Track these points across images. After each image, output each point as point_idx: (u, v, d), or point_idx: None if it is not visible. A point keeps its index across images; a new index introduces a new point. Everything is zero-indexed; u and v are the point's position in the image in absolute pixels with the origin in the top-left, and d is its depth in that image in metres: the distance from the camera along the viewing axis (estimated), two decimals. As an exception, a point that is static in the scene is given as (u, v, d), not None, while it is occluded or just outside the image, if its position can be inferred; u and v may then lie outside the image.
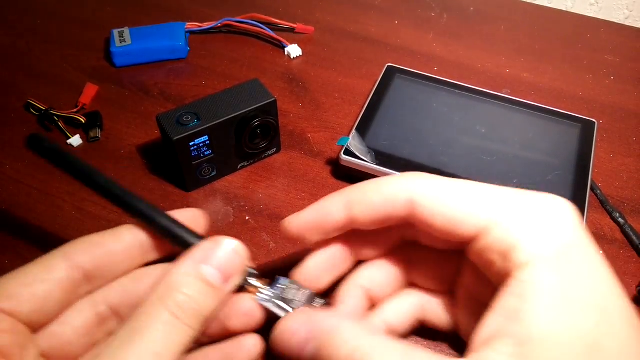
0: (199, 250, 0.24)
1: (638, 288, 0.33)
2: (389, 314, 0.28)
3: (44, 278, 0.23)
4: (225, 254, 0.24)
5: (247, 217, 0.37)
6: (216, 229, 0.36)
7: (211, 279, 0.23)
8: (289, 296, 0.26)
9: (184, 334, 0.22)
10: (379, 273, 0.28)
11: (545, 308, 0.21)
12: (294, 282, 0.27)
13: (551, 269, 0.21)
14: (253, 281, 0.26)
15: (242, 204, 0.38)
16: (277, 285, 0.26)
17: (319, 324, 0.23)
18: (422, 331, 0.30)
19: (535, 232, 0.22)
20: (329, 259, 0.28)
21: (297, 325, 0.23)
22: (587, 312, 0.21)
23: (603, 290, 0.22)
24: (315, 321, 0.23)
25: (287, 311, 0.25)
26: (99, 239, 0.25)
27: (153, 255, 0.26)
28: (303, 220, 0.26)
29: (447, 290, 0.28)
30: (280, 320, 0.24)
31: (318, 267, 0.27)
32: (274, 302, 0.26)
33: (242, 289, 0.25)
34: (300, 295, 0.26)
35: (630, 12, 0.68)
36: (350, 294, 0.28)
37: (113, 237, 0.25)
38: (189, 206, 0.37)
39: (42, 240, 0.35)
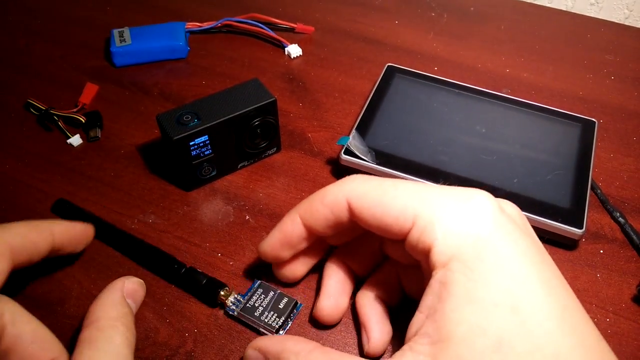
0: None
1: (638, 288, 0.33)
2: (375, 286, 0.30)
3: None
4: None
5: (247, 217, 0.37)
6: (216, 229, 0.36)
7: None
8: (256, 303, 0.31)
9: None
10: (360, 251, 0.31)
11: (454, 309, 0.22)
12: (263, 285, 0.32)
13: (463, 270, 0.22)
14: (224, 294, 0.31)
15: (242, 203, 0.38)
16: (249, 293, 0.31)
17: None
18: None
19: (450, 231, 0.23)
20: (340, 285, 0.31)
21: None
22: (494, 312, 0.21)
23: (514, 288, 0.22)
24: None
25: (253, 320, 0.31)
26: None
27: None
28: (272, 243, 0.30)
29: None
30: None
31: (335, 296, 0.31)
32: (239, 314, 0.31)
33: (218, 301, 0.31)
34: (268, 300, 0.31)
35: (630, 11, 0.68)
36: (333, 273, 0.31)
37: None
38: (188, 206, 0.37)
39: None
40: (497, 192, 0.36)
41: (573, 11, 0.58)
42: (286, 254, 0.30)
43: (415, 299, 0.28)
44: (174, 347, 0.30)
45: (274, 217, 0.37)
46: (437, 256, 0.23)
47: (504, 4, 0.58)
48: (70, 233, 0.31)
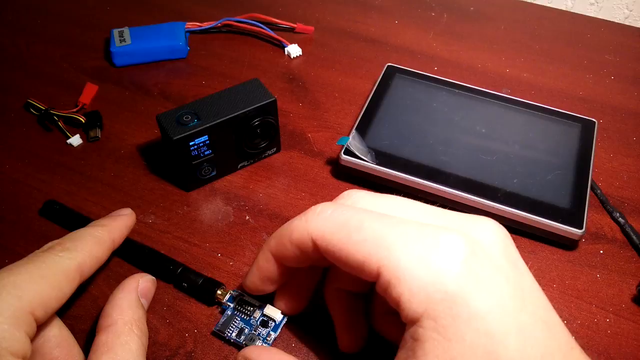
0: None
1: (638, 288, 0.33)
2: (379, 303, 0.29)
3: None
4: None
5: (247, 217, 0.37)
6: (216, 229, 0.36)
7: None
8: (244, 307, 0.31)
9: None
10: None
11: None
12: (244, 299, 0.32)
13: (435, 328, 0.21)
14: (220, 293, 0.32)
15: (242, 203, 0.38)
16: (237, 298, 0.31)
17: None
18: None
19: (417, 286, 0.21)
20: (349, 312, 0.29)
21: None
22: None
23: (490, 347, 0.20)
24: None
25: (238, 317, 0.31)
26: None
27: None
28: (253, 280, 0.29)
29: None
30: None
31: (351, 325, 0.29)
32: (231, 312, 0.31)
33: (216, 300, 0.32)
34: (253, 308, 0.31)
35: (630, 11, 0.68)
36: (337, 301, 0.29)
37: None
38: (188, 206, 0.38)
39: (42, 240, 0.35)
40: (497, 192, 0.36)
41: (573, 11, 0.58)
42: (270, 288, 0.29)
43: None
44: (174, 348, 0.30)
45: (274, 218, 0.37)
46: (406, 312, 0.22)
47: (504, 3, 0.58)
48: (124, 233, 0.31)
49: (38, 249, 0.35)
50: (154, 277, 0.31)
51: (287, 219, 0.36)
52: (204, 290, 0.32)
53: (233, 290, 0.32)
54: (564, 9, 0.63)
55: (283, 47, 0.51)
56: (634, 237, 0.36)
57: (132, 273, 0.31)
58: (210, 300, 0.32)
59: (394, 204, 0.26)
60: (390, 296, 0.22)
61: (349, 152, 0.38)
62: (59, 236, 0.35)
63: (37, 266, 0.25)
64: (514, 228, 0.35)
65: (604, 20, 0.56)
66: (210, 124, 0.35)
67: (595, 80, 0.49)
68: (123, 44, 0.48)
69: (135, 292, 0.28)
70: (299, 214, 0.37)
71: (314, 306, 0.31)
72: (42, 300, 0.24)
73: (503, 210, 0.35)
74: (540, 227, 0.35)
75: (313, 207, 0.26)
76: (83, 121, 0.42)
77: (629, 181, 0.40)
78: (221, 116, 0.36)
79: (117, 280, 0.33)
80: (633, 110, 0.46)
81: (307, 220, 0.25)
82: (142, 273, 0.30)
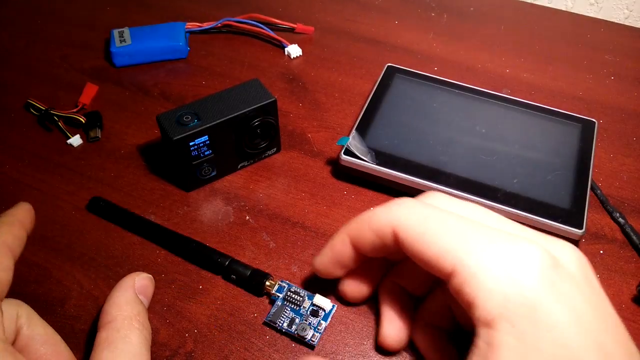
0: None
1: (638, 288, 0.33)
2: (429, 313, 0.29)
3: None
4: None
5: (247, 217, 0.37)
6: (216, 229, 0.36)
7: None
8: (293, 297, 0.31)
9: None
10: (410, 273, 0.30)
11: None
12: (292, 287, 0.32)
13: (512, 332, 0.20)
14: (269, 284, 0.32)
15: (242, 203, 0.38)
16: (286, 289, 0.32)
17: None
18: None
19: (494, 287, 0.21)
20: (399, 308, 0.29)
21: None
22: None
23: (567, 356, 0.20)
24: None
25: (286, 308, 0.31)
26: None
27: None
28: (324, 261, 0.29)
29: None
30: None
31: (397, 321, 0.29)
32: (282, 303, 0.31)
33: (264, 291, 0.32)
34: (301, 297, 0.32)
35: (630, 11, 0.68)
36: (389, 295, 0.30)
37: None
38: (188, 207, 0.38)
39: (42, 241, 0.35)
40: (497, 192, 0.36)
41: (573, 11, 0.58)
42: (339, 272, 0.30)
43: (466, 330, 0.27)
44: (174, 348, 0.30)
45: (274, 218, 0.37)
46: (480, 312, 0.21)
47: (504, 4, 0.58)
48: (29, 217, 0.31)
49: (38, 248, 0.35)
50: (151, 275, 0.31)
51: (287, 219, 0.37)
52: (252, 281, 0.32)
53: (281, 281, 0.32)
54: (563, 9, 0.63)
55: (283, 47, 0.51)
56: (634, 237, 0.36)
57: (150, 271, 0.31)
58: (259, 291, 0.32)
59: (476, 212, 0.26)
60: (464, 295, 0.22)
61: (349, 152, 0.38)
62: (60, 239, 0.36)
63: None
64: (514, 228, 0.35)
65: (604, 20, 0.56)
66: (211, 124, 0.35)
67: (595, 80, 0.49)
68: (123, 44, 0.48)
69: (132, 289, 0.29)
70: (299, 214, 0.37)
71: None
72: None
73: (503, 211, 0.35)
74: (540, 227, 0.35)
75: (396, 199, 0.27)
76: (83, 121, 0.42)
77: (629, 181, 0.40)
78: (221, 116, 0.36)
79: (117, 280, 0.33)
80: (633, 110, 0.46)
81: (389, 209, 0.26)
82: (139, 272, 0.30)
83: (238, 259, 0.34)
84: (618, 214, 0.37)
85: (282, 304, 0.31)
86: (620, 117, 0.45)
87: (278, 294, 0.32)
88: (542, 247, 0.22)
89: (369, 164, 0.37)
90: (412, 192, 0.37)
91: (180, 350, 0.30)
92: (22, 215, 0.31)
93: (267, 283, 0.32)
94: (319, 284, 0.33)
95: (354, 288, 0.31)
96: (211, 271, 0.34)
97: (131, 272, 0.32)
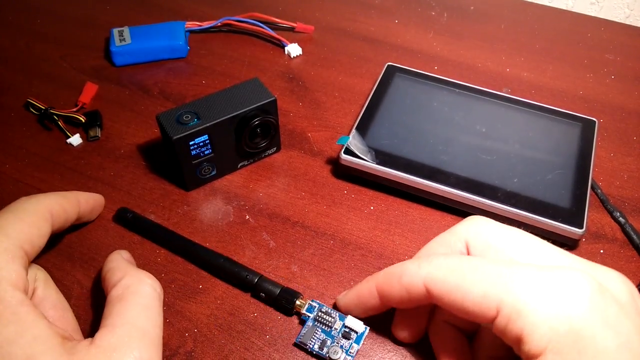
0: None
1: (638, 288, 0.33)
2: (484, 347, 0.28)
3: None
4: None
5: (247, 216, 0.37)
6: (216, 228, 0.36)
7: None
8: (324, 317, 0.31)
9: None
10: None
11: None
12: (325, 308, 0.31)
13: None
14: (299, 304, 0.31)
15: (242, 203, 0.38)
16: (317, 309, 0.31)
17: None
18: None
19: (540, 319, 0.21)
20: (457, 351, 0.28)
21: None
22: None
23: None
24: None
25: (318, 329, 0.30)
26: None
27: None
28: (348, 303, 0.30)
29: None
30: None
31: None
32: (312, 324, 0.31)
33: (294, 310, 0.31)
34: (332, 318, 0.31)
35: (631, 11, 0.68)
36: (442, 338, 0.29)
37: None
38: (188, 206, 0.37)
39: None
40: (497, 191, 0.36)
41: (573, 10, 0.58)
42: (363, 315, 0.30)
43: None
44: (174, 347, 0.30)
45: (274, 217, 0.37)
46: (528, 346, 0.21)
47: (504, 3, 0.58)
48: (90, 203, 0.34)
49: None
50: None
51: (287, 219, 0.37)
52: (282, 300, 0.31)
53: (312, 300, 0.31)
54: (564, 8, 0.63)
55: (283, 46, 0.51)
56: (635, 236, 0.36)
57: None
58: (289, 310, 0.31)
59: (518, 238, 0.26)
60: (511, 332, 0.22)
61: (349, 151, 0.38)
62: (59, 239, 0.36)
63: (12, 211, 0.28)
64: (514, 227, 0.35)
65: (604, 19, 0.56)
66: (210, 124, 0.35)
67: (596, 79, 0.49)
68: (123, 43, 0.48)
69: (120, 256, 0.31)
70: (299, 213, 0.37)
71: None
72: (26, 237, 0.27)
73: (503, 210, 0.35)
74: (540, 226, 0.35)
75: (424, 248, 0.28)
76: (83, 121, 0.42)
77: (629, 180, 0.40)
78: (221, 116, 0.36)
79: (117, 279, 0.33)
80: (633, 109, 0.46)
81: (419, 266, 0.26)
82: (118, 250, 0.32)
83: (237, 258, 0.34)
84: (618, 214, 0.37)
85: (313, 325, 0.30)
86: (620, 116, 0.45)
87: (308, 314, 0.31)
88: (587, 274, 0.22)
89: (369, 163, 0.37)
90: (413, 191, 0.37)
91: (180, 349, 0.30)
92: (84, 197, 0.33)
93: (298, 302, 0.31)
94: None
95: (404, 332, 0.30)
96: (240, 288, 0.33)
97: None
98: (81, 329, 0.31)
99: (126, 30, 0.49)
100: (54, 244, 0.35)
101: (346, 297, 0.30)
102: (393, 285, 0.27)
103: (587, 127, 0.41)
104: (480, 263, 0.24)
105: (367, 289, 0.28)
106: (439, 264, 0.25)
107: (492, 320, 0.23)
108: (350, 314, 0.30)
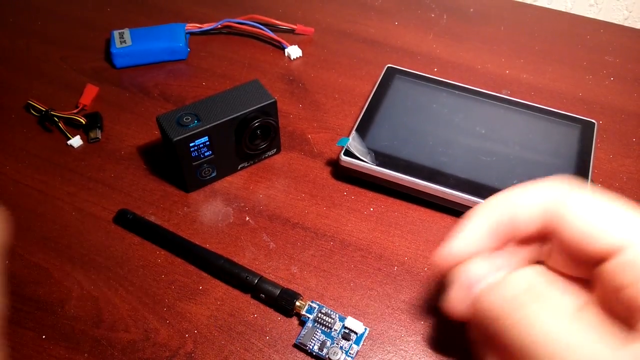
0: None
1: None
2: None
3: None
4: None
5: (247, 218, 0.37)
6: (216, 230, 0.36)
7: None
8: (324, 318, 0.31)
9: None
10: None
11: None
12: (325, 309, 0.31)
13: None
14: (299, 304, 0.31)
15: (242, 204, 0.38)
16: (316, 310, 0.31)
17: None
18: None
19: None
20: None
21: None
22: None
23: None
24: None
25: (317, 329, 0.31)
26: None
27: None
28: (460, 247, 0.25)
29: None
30: None
31: None
32: (312, 325, 0.31)
33: (294, 311, 0.31)
34: (332, 319, 0.31)
35: (629, 12, 0.68)
36: None
37: None
38: (188, 207, 0.38)
39: (42, 241, 0.35)
40: (497, 193, 0.36)
41: (572, 12, 0.58)
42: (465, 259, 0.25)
43: None
44: (174, 348, 0.30)
45: (274, 218, 0.37)
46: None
47: (504, 5, 0.58)
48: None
49: (38, 249, 0.35)
50: None
51: (287, 220, 0.37)
52: (282, 301, 0.31)
53: (312, 301, 0.32)
54: (563, 10, 0.63)
55: (283, 48, 0.51)
56: (634, 238, 0.36)
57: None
58: (289, 312, 0.31)
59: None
60: (630, 276, 0.21)
61: (349, 153, 0.38)
62: (60, 239, 0.36)
63: None
64: (514, 229, 0.35)
65: (603, 21, 0.56)
66: (211, 125, 0.35)
67: (595, 81, 0.49)
68: (123, 45, 0.48)
69: None
70: (298, 214, 0.37)
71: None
72: None
73: (503, 211, 0.35)
74: (539, 228, 0.35)
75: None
76: (83, 122, 0.42)
77: (629, 182, 0.40)
78: (221, 117, 0.36)
79: (118, 281, 0.33)
80: (633, 111, 0.46)
81: (547, 184, 0.25)
82: None
83: (237, 259, 0.34)
84: (618, 215, 0.37)
85: (313, 326, 0.31)
86: (619, 118, 0.45)
87: (308, 315, 0.31)
88: None
89: (368, 165, 0.37)
90: (413, 193, 0.37)
91: (180, 350, 0.30)
92: None
93: (297, 303, 0.31)
94: (349, 306, 0.33)
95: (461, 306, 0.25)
96: (240, 289, 0.33)
97: (131, 273, 0.32)
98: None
99: (127, 32, 0.49)
100: (54, 245, 0.35)
101: (457, 240, 0.25)
102: (519, 208, 0.25)
103: (586, 129, 0.41)
104: (607, 201, 0.23)
105: (478, 226, 0.25)
106: (568, 187, 0.24)
107: (601, 259, 0.22)
108: (456, 262, 0.25)
